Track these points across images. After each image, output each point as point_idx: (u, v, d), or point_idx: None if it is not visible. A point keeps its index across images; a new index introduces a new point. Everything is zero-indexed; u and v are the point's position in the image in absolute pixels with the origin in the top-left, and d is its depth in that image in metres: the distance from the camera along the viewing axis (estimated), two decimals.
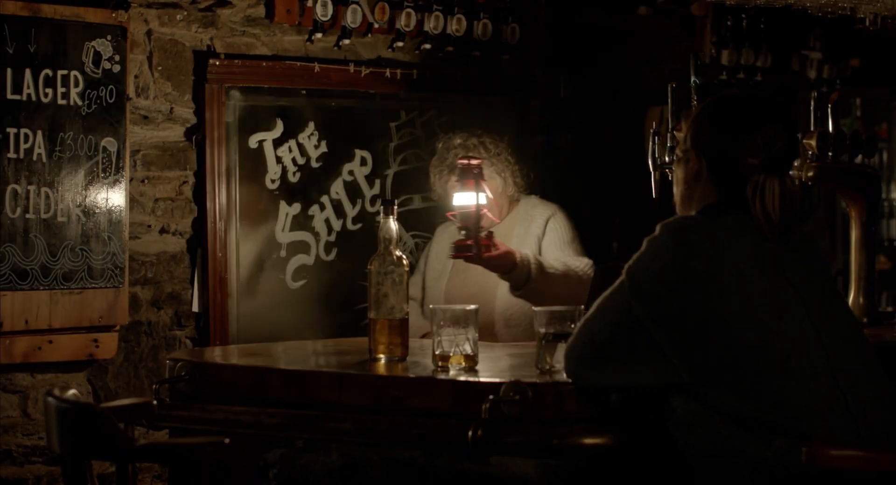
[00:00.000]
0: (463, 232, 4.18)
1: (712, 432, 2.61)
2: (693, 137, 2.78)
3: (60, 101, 4.59)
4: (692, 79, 4.05)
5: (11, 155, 4.50)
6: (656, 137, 4.20)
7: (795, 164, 4.18)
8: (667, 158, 4.06)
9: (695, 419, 2.63)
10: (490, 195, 4.34)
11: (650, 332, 2.62)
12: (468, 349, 3.06)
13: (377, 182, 5.44)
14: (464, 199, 4.19)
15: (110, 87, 4.70)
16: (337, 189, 5.35)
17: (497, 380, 2.84)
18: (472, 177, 4.19)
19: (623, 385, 2.68)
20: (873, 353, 2.77)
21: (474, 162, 4.21)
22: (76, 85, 4.63)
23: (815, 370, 2.61)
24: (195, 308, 5.00)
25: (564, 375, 2.82)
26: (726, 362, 2.58)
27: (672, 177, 2.93)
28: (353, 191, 5.38)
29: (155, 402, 3.20)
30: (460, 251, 4.18)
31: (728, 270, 2.62)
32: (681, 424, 2.66)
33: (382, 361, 3.24)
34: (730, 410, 2.59)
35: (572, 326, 2.96)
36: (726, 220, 2.71)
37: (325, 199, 5.31)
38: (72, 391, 2.79)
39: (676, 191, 2.88)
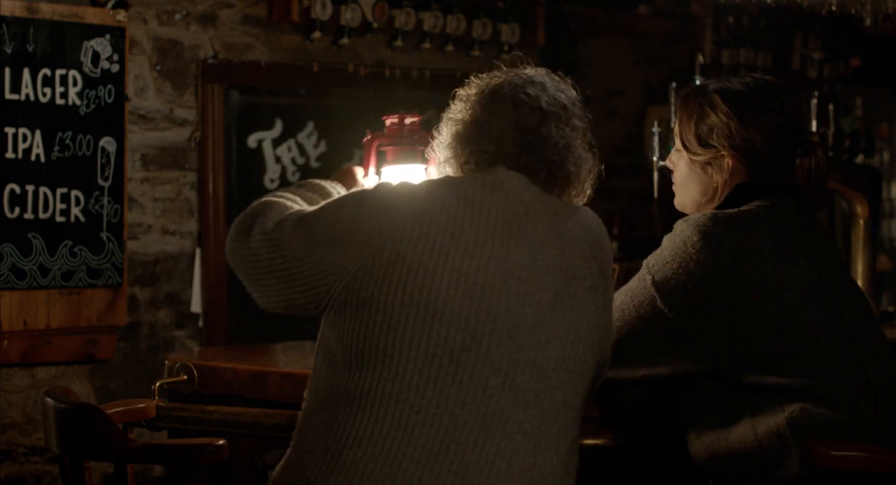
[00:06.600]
0: None
1: (720, 419, 2.62)
2: (727, 135, 2.73)
3: (59, 101, 4.58)
4: (696, 78, 4.06)
5: (10, 155, 4.49)
6: (656, 137, 4.20)
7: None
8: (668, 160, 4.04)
9: (705, 407, 2.64)
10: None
11: (675, 324, 2.61)
12: None
13: None
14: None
15: (109, 86, 4.69)
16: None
17: None
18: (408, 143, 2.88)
19: (643, 378, 2.67)
20: (886, 337, 2.79)
21: (408, 120, 2.90)
22: (74, 85, 4.61)
23: (840, 351, 2.62)
24: (194, 308, 4.99)
25: None
26: (753, 347, 2.58)
27: (674, 178, 2.89)
28: None
29: (154, 403, 3.19)
30: None
31: (753, 259, 2.62)
32: (690, 410, 2.66)
33: None
34: (753, 382, 2.59)
35: None
36: (745, 211, 2.70)
37: None
38: (70, 392, 2.78)
39: (687, 191, 2.82)
